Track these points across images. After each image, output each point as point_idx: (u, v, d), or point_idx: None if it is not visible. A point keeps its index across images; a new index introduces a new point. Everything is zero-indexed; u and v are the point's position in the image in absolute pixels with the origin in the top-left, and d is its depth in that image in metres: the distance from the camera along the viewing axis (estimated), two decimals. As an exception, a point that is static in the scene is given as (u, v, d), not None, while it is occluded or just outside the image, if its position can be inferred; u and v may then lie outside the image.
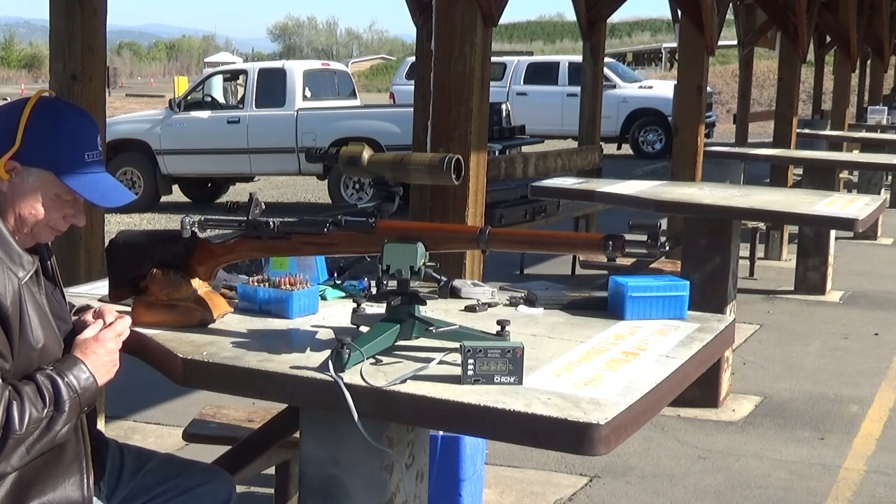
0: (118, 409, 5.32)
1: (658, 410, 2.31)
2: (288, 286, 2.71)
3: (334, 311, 2.77)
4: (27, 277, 2.23)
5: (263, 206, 2.60)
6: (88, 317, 2.42)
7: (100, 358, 2.29)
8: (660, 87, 22.84)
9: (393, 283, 2.37)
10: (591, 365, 2.32)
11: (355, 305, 2.54)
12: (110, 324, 2.38)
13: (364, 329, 2.42)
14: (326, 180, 14.23)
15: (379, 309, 2.46)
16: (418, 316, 2.38)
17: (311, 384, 2.21)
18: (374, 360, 2.29)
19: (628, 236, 2.30)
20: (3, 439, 2.10)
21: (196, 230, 2.53)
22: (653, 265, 6.63)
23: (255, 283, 2.76)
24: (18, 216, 2.27)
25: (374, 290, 2.40)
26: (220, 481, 2.61)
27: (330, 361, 2.20)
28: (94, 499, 2.35)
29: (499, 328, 2.34)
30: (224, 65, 28.19)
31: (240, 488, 2.71)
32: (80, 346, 2.30)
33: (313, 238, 2.49)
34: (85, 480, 2.31)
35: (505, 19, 5.57)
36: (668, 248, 2.40)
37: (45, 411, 2.15)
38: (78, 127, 2.32)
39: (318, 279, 2.92)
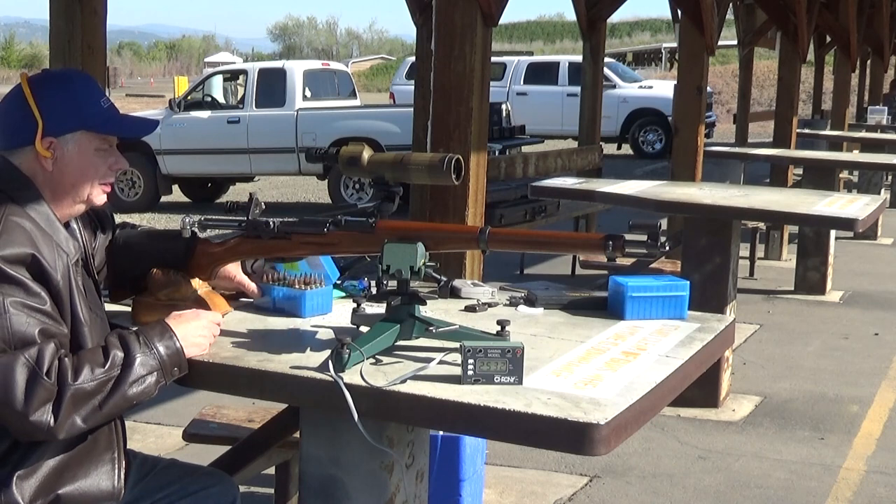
0: (118, 409, 5.31)
1: (658, 410, 2.31)
2: (302, 286, 2.71)
3: (334, 311, 2.77)
4: (73, 260, 2.28)
5: (263, 206, 2.60)
6: None
7: (190, 329, 2.33)
8: (660, 87, 22.86)
9: (393, 283, 2.37)
10: (591, 365, 2.32)
11: (355, 305, 2.54)
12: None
13: (364, 329, 2.42)
14: (326, 180, 14.23)
15: (379, 309, 2.46)
16: (418, 316, 2.38)
17: (311, 384, 2.20)
18: (374, 360, 2.29)
19: (628, 236, 2.29)
20: (60, 394, 2.09)
21: (196, 230, 2.54)
22: (653, 265, 6.62)
23: (272, 282, 2.75)
24: (72, 187, 2.31)
25: (374, 290, 2.40)
26: (224, 485, 2.62)
27: (330, 361, 2.20)
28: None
29: (499, 328, 2.34)
30: (224, 65, 28.19)
31: (240, 488, 2.71)
32: (172, 317, 2.35)
33: (313, 238, 2.49)
34: (117, 470, 2.34)
35: (505, 19, 5.57)
36: (668, 248, 2.40)
37: (108, 364, 2.16)
38: (83, 81, 2.38)
39: (330, 278, 2.89)
